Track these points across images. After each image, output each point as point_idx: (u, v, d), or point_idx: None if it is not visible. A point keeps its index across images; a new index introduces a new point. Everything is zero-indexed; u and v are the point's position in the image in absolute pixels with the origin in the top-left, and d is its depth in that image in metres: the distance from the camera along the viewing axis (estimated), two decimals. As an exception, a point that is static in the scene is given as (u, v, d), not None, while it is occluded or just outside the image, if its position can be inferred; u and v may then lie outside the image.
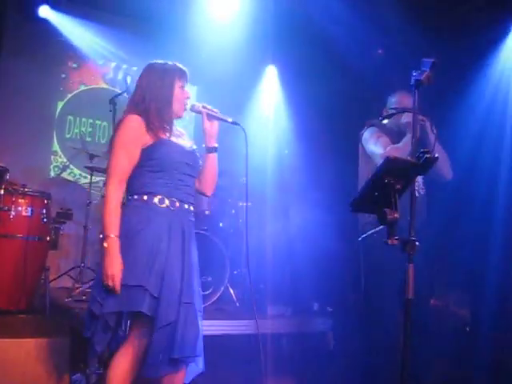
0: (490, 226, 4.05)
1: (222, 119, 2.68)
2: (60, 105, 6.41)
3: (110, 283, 2.33)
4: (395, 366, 2.22)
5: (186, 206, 2.55)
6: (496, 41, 4.38)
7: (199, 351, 2.50)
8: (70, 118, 6.45)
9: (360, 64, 4.96)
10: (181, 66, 2.66)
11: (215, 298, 4.58)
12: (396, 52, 4.96)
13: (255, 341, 3.61)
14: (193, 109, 2.69)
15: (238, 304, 4.66)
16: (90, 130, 6.51)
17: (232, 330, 4.09)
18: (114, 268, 2.33)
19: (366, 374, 3.52)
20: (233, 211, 5.19)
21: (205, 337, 3.82)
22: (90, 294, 2.55)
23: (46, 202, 4.16)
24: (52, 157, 6.32)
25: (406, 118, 3.32)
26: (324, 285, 4.72)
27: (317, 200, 4.47)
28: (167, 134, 2.54)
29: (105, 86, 6.70)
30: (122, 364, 2.48)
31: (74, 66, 6.52)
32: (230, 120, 2.68)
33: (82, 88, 6.57)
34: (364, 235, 3.14)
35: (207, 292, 4.49)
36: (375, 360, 3.38)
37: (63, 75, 6.46)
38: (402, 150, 3.08)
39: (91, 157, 5.43)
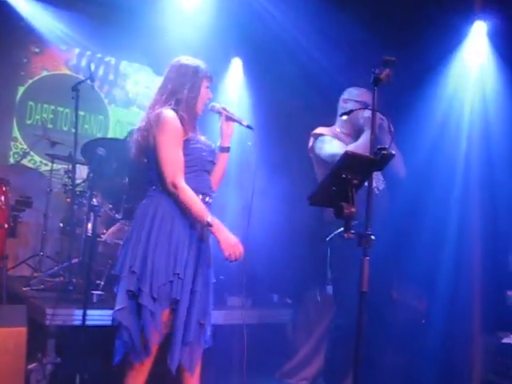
0: (445, 222, 4.16)
1: (238, 121, 2.80)
2: (21, 90, 6.29)
3: (237, 251, 2.55)
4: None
5: (207, 199, 2.67)
6: (456, 43, 4.49)
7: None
8: (31, 103, 6.33)
9: (324, 61, 5.01)
10: (206, 66, 2.75)
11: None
12: (360, 51, 5.02)
13: (223, 331, 3.64)
14: (212, 109, 2.81)
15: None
16: (51, 116, 6.40)
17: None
18: (232, 239, 2.55)
19: (329, 365, 3.60)
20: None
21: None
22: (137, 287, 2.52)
23: (4, 188, 4.07)
24: (12, 143, 6.20)
25: (366, 113, 3.39)
26: (284, 277, 4.78)
27: (280, 193, 4.51)
28: (193, 132, 2.68)
29: (68, 72, 6.59)
30: None
31: (36, 50, 6.39)
32: (244, 123, 2.79)
33: (45, 73, 6.45)
34: (332, 234, 3.19)
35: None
36: (340, 352, 3.45)
37: (25, 60, 6.33)
38: (363, 147, 3.14)
39: (53, 144, 5.36)
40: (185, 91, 2.64)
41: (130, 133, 5.70)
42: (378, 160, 1.94)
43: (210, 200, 2.71)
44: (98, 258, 4.64)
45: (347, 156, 1.90)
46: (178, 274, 2.50)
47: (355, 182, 1.92)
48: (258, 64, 6.04)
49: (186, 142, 2.60)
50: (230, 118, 2.80)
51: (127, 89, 7.00)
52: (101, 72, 6.72)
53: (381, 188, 3.59)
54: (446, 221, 4.17)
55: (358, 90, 3.64)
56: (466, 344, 3.65)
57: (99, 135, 6.60)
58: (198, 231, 2.63)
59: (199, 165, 2.65)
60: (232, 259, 2.56)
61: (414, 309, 4.89)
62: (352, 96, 3.61)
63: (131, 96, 7.02)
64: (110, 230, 4.73)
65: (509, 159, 4.09)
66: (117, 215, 4.87)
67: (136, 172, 4.95)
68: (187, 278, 2.55)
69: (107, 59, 6.81)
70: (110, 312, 3.78)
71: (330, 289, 3.59)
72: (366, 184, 2.15)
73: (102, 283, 4.34)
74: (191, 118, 2.68)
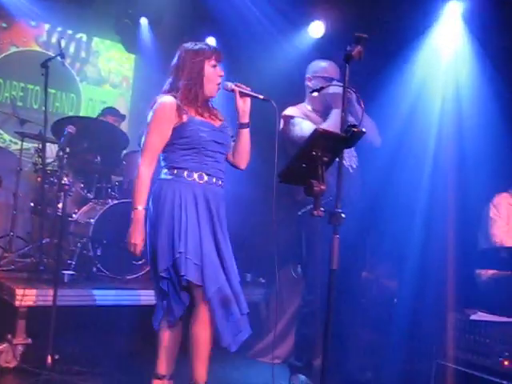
0: (416, 201, 4.20)
1: (253, 96, 2.78)
2: (-12, 66, 6.15)
3: (132, 250, 2.67)
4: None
5: (214, 180, 2.73)
6: (426, 25, 4.34)
7: None
8: (0, 80, 6.18)
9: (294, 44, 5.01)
10: (212, 45, 2.81)
11: (148, 268, 4.53)
12: (334, 31, 5.00)
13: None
14: (225, 88, 2.80)
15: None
16: (21, 94, 6.27)
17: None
18: (137, 238, 2.63)
19: (299, 343, 3.62)
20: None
21: (140, 306, 3.89)
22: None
23: (-29, 167, 4.00)
24: (-20, 121, 6.06)
25: (331, 89, 3.36)
26: (257, 256, 4.79)
27: (253, 171, 4.50)
28: (198, 114, 2.71)
29: (38, 48, 6.45)
30: None
31: (4, 25, 6.23)
32: (261, 97, 2.77)
33: (13, 50, 6.30)
34: (304, 210, 3.20)
35: (140, 262, 4.47)
36: (309, 330, 3.48)
37: (-8, 35, 6.18)
38: (333, 125, 3.13)
39: (22, 122, 5.24)
40: (185, 77, 2.70)
41: (103, 111, 5.67)
42: (348, 137, 1.93)
43: (220, 182, 2.76)
44: (70, 238, 4.60)
45: (317, 133, 1.89)
46: (181, 251, 2.58)
47: (325, 159, 1.91)
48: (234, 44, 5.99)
49: (182, 126, 2.66)
50: (244, 94, 2.78)
51: (99, 66, 6.89)
52: (72, 49, 6.59)
53: (354, 166, 3.60)
54: (416, 200, 4.20)
55: (321, 65, 3.62)
56: (435, 321, 3.70)
57: (71, 113, 6.50)
58: (207, 207, 2.67)
59: (197, 145, 2.67)
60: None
61: (385, 287, 4.95)
62: (317, 73, 3.59)
63: (104, 74, 6.91)
64: (82, 210, 4.68)
65: (481, 140, 4.12)
66: (88, 194, 4.83)
67: (108, 151, 4.91)
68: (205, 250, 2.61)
69: (78, 36, 6.69)
70: (81, 292, 3.82)
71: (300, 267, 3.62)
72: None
73: (74, 263, 4.31)
74: (197, 101, 2.72)
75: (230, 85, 2.78)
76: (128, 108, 6.94)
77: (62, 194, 4.09)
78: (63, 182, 3.99)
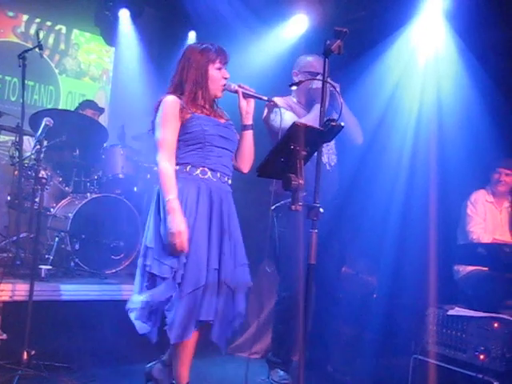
0: (395, 196, 4.22)
1: (257, 97, 2.77)
2: (-35, 57, 6.02)
3: (177, 240, 2.49)
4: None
5: (219, 175, 2.70)
6: (405, 20, 4.33)
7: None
8: (-24, 72, 6.08)
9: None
10: (218, 46, 2.77)
11: (127, 263, 4.54)
12: (318, 24, 4.99)
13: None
14: (228, 88, 2.78)
15: (150, 269, 4.62)
16: (-2, 86, 6.17)
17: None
18: (180, 225, 2.50)
19: (276, 339, 3.62)
20: (148, 176, 5.12)
21: (117, 301, 3.86)
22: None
23: None
24: (-45, 113, 5.93)
25: (317, 84, 3.39)
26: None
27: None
28: (203, 112, 2.72)
29: (16, 39, 6.33)
30: None
31: (-19, 16, 6.13)
32: (265, 98, 2.77)
33: (-10, 40, 6.19)
34: (278, 204, 3.19)
35: (119, 257, 4.44)
36: (286, 326, 3.48)
37: (-32, 25, 6.06)
38: (313, 120, 3.13)
39: (-1, 115, 5.14)
40: (189, 78, 2.70)
41: (82, 104, 5.60)
42: (326, 131, 1.92)
43: (226, 178, 2.74)
44: (48, 232, 4.55)
45: (295, 127, 1.88)
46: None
47: (303, 153, 1.90)
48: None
49: (187, 122, 2.66)
50: (247, 95, 2.77)
51: (79, 59, 6.79)
52: (51, 41, 6.49)
53: (332, 164, 3.61)
54: (396, 195, 4.22)
55: (308, 59, 3.64)
56: (413, 316, 3.72)
57: (50, 106, 6.40)
58: (209, 204, 2.64)
59: (201, 140, 2.66)
60: (172, 248, 2.54)
61: (365, 282, 4.98)
62: (303, 67, 3.62)
63: (83, 66, 6.82)
64: (60, 204, 4.63)
65: (460, 133, 4.14)
66: (67, 188, 4.78)
67: (87, 145, 4.86)
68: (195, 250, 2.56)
69: (57, 28, 6.58)
70: (58, 286, 3.78)
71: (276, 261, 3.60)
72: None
73: (51, 258, 4.26)
74: (201, 102, 2.72)
75: (234, 86, 2.77)
76: (108, 101, 6.87)
77: (40, 187, 4.03)
78: (41, 175, 3.93)
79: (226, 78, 2.77)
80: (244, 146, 2.83)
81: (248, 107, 2.78)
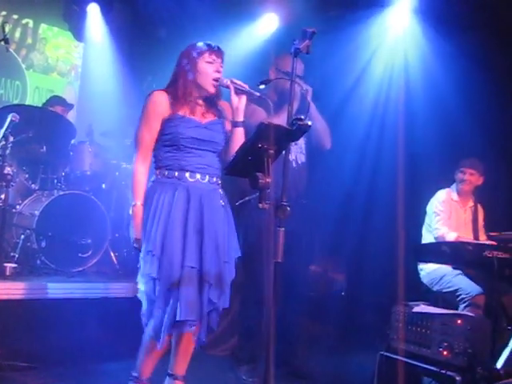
0: (363, 195, 4.27)
1: (249, 93, 2.71)
2: None
3: (136, 245, 2.62)
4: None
5: (198, 176, 2.66)
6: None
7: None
8: None
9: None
10: (212, 43, 2.74)
11: (95, 261, 4.49)
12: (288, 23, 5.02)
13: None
14: (220, 83, 2.72)
15: (118, 267, 4.60)
16: (-40, 80, 6.04)
17: (111, 293, 4.04)
18: (137, 233, 2.61)
19: (243, 336, 3.64)
20: (116, 173, 5.08)
21: (81, 299, 3.82)
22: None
23: None
24: None
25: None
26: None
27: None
28: (189, 110, 2.68)
29: (-21, 33, 6.19)
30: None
31: None
32: (257, 94, 2.71)
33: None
34: (241, 200, 3.19)
35: (86, 254, 4.39)
36: (253, 322, 3.49)
37: None
38: (281, 119, 3.15)
39: (-37, 109, 5.03)
40: (180, 73, 2.70)
41: (49, 100, 5.51)
42: (293, 131, 1.94)
43: (207, 178, 2.69)
44: (13, 230, 4.47)
45: (262, 126, 1.90)
46: (151, 251, 2.55)
47: (271, 152, 1.92)
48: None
49: (166, 122, 2.65)
50: (239, 91, 2.72)
51: (47, 54, 6.67)
52: (17, 34, 6.36)
53: (300, 162, 3.63)
54: (363, 195, 4.28)
55: (283, 59, 3.64)
56: (379, 313, 3.78)
57: (16, 101, 6.27)
58: (192, 206, 2.62)
59: (176, 142, 2.64)
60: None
61: (333, 281, 5.03)
62: (279, 66, 3.64)
63: (51, 61, 6.70)
64: (26, 201, 4.56)
65: (430, 128, 4.20)
66: (33, 185, 4.71)
67: (55, 141, 4.79)
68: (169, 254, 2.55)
69: (24, 21, 6.44)
70: (24, 285, 3.72)
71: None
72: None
73: (17, 255, 4.19)
74: (190, 97, 2.69)
75: (226, 80, 2.72)
76: (76, 97, 6.78)
77: (5, 184, 3.98)
78: (6, 172, 3.88)
79: (217, 72, 2.71)
80: (235, 142, 2.74)
81: (239, 103, 2.73)
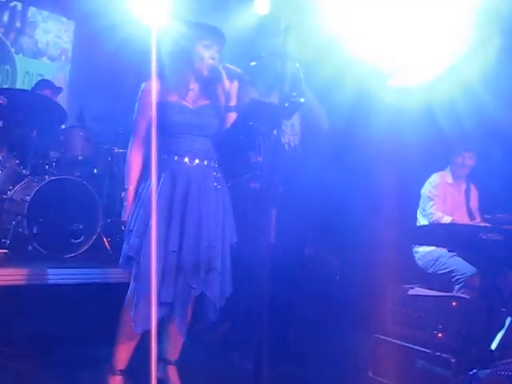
0: (357, 180, 4.24)
1: (239, 76, 2.67)
2: None
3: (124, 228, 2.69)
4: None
5: (186, 159, 2.66)
6: None
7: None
8: None
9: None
10: (211, 25, 2.71)
11: (87, 247, 4.45)
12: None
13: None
14: (212, 67, 2.69)
15: (111, 252, 4.56)
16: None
17: (104, 279, 4.01)
18: (126, 216, 2.69)
19: (236, 320, 3.62)
20: (108, 158, 5.02)
21: (75, 285, 3.79)
22: None
23: None
24: None
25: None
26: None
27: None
28: (180, 95, 2.69)
29: (-22, 21, 6.09)
30: None
31: None
32: (246, 78, 2.67)
33: None
34: (233, 180, 3.16)
35: (78, 240, 4.35)
36: (246, 307, 3.47)
37: None
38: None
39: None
40: (173, 57, 2.69)
41: (38, 84, 5.44)
42: (285, 107, 1.90)
43: (196, 161, 2.67)
44: (4, 216, 4.42)
45: (253, 103, 1.85)
46: (131, 230, 2.61)
47: (262, 130, 1.87)
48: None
49: (157, 108, 2.65)
50: (231, 75, 2.68)
51: (36, 38, 6.56)
52: (6, 18, 6.25)
53: (293, 145, 3.59)
54: (358, 179, 4.25)
55: (275, 40, 3.60)
56: (374, 296, 3.77)
57: (6, 86, 6.18)
58: (181, 191, 2.63)
59: (166, 129, 2.66)
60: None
61: (328, 264, 5.02)
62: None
63: (41, 46, 6.59)
64: (17, 187, 4.50)
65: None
66: (24, 171, 4.64)
67: (45, 126, 4.73)
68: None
69: (12, 4, 6.33)
70: (15, 271, 3.68)
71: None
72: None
73: (8, 241, 4.15)
74: (181, 82, 2.69)
75: (218, 65, 2.69)
76: (67, 82, 6.69)
77: (-6, 169, 3.92)
78: (-5, 156, 3.82)
79: (213, 58, 2.69)
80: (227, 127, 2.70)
81: (231, 88, 2.69)
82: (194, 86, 2.74)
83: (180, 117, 2.67)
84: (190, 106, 2.72)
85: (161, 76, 2.70)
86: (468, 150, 4.23)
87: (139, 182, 2.72)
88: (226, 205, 2.76)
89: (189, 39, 2.67)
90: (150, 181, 2.63)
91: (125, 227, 2.68)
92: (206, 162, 2.70)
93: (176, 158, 2.66)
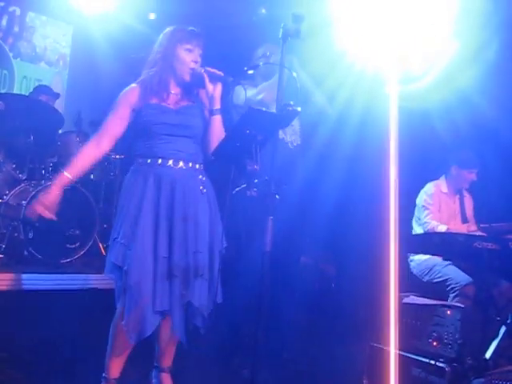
0: (353, 187, 4.25)
1: (223, 79, 2.64)
2: None
3: (30, 211, 2.64)
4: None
5: (170, 162, 2.61)
6: None
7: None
8: None
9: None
10: (191, 28, 2.68)
11: (83, 252, 4.44)
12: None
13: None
14: (194, 72, 2.66)
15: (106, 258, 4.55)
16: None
17: (100, 284, 4.00)
18: (39, 200, 2.58)
19: (230, 329, 3.61)
20: (105, 164, 5.03)
21: (71, 291, 3.78)
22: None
23: None
24: None
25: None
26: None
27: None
28: (162, 99, 2.66)
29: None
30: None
31: None
32: (231, 79, 2.65)
33: None
34: (238, 188, 3.15)
35: (74, 245, 4.34)
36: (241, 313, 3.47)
37: None
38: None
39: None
40: (155, 61, 2.69)
41: (36, 89, 5.44)
42: (282, 116, 1.91)
43: (181, 163, 2.63)
44: (0, 220, 4.41)
45: (250, 111, 1.86)
46: (116, 238, 2.55)
47: (259, 138, 1.88)
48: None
49: (139, 111, 2.63)
50: (214, 78, 2.65)
51: (34, 43, 6.58)
52: (4, 22, 6.26)
53: (295, 144, 3.59)
54: (354, 187, 4.25)
55: (271, 48, 3.62)
56: (369, 304, 3.77)
57: (3, 91, 6.19)
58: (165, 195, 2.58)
59: (147, 130, 2.62)
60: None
61: (323, 273, 5.02)
62: (265, 55, 3.60)
63: (39, 51, 6.61)
64: (14, 191, 4.49)
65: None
66: (21, 175, 4.64)
67: (42, 131, 4.73)
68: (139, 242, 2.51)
69: (11, 9, 6.35)
70: (11, 276, 3.68)
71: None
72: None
73: (4, 246, 4.15)
74: (162, 87, 2.66)
75: (199, 69, 2.66)
76: (64, 87, 6.69)
77: (-10, 174, 3.92)
78: (-8, 161, 3.82)
79: (195, 62, 2.66)
80: (212, 131, 2.68)
81: (215, 91, 2.65)
82: (176, 90, 2.71)
83: (162, 117, 2.62)
84: (172, 107, 2.68)
85: (142, 82, 2.68)
86: (476, 166, 4.24)
87: (122, 187, 2.70)
88: (213, 209, 2.70)
89: (170, 43, 2.66)
90: (133, 186, 2.61)
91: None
92: (190, 165, 2.66)
93: (160, 161, 2.61)
